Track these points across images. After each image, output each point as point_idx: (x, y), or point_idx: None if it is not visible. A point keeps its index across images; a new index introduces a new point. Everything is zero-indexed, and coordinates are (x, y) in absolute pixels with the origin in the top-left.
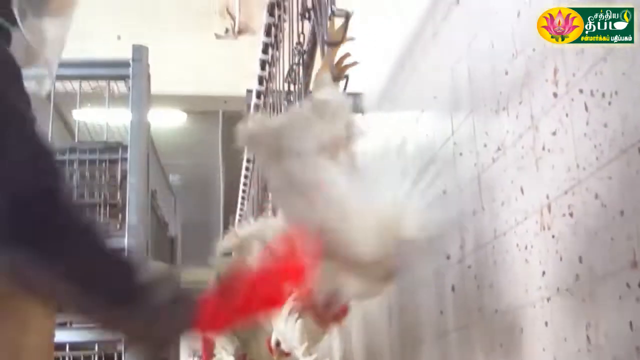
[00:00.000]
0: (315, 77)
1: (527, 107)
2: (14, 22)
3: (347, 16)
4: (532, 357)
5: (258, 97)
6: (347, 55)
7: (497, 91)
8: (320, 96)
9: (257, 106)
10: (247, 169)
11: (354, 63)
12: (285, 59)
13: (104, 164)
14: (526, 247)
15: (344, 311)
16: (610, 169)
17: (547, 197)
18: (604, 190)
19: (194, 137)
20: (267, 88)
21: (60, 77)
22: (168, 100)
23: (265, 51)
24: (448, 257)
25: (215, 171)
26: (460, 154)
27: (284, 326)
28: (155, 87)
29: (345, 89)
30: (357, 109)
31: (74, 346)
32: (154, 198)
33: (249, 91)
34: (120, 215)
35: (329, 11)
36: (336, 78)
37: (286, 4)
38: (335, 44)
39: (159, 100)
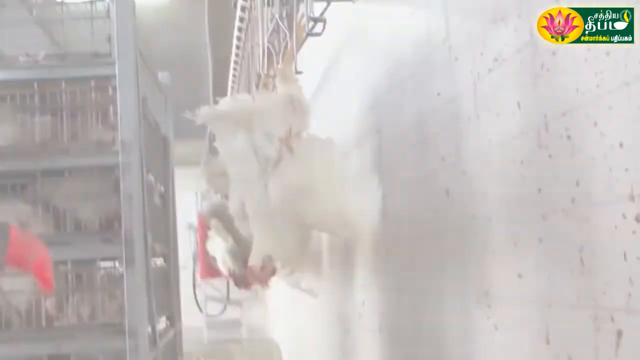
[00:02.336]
0: (279, 70)
1: (527, 22)
2: None
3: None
4: (524, 271)
5: None
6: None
7: (494, 1)
8: (287, 91)
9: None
10: (239, 29)
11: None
12: None
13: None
14: (522, 162)
15: (273, 272)
16: (611, 99)
17: (545, 116)
18: (604, 119)
19: (179, 13)
20: None
21: None
22: None
23: None
24: (442, 159)
25: (202, 48)
26: (456, 58)
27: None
28: None
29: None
30: None
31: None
32: (145, 105)
33: None
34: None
35: None
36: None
37: None
38: None
39: None
